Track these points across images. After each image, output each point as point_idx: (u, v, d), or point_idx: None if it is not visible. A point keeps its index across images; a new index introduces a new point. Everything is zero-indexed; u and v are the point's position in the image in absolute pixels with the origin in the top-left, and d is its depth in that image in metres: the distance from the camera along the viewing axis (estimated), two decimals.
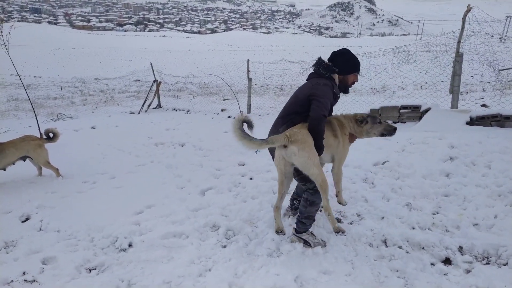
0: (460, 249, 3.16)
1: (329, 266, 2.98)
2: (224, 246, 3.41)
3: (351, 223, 3.69)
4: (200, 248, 3.36)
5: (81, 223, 3.87)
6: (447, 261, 3.06)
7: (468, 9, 7.22)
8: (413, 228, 3.52)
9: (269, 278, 2.86)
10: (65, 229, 3.77)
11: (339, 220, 3.78)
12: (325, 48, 51.59)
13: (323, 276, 2.89)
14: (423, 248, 3.21)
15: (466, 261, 3.01)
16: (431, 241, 3.24)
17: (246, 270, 3.01)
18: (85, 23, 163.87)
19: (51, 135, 5.57)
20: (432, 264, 3.02)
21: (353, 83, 3.65)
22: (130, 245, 3.49)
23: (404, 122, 7.52)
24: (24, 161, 5.44)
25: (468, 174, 4.48)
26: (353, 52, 3.62)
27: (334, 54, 3.53)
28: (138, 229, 3.71)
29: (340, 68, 3.47)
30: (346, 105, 9.39)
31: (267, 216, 3.81)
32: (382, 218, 3.72)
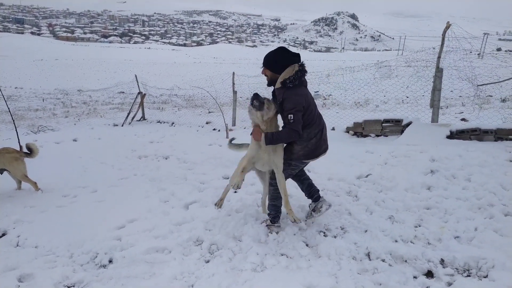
0: (442, 261, 3.20)
1: (313, 280, 2.96)
2: (208, 261, 3.37)
3: (335, 237, 3.69)
4: (183, 263, 3.30)
5: (61, 238, 3.76)
6: (429, 274, 3.08)
7: (448, 26, 7.47)
8: (396, 241, 3.55)
9: None
10: (44, 245, 3.66)
11: (324, 233, 3.78)
12: (309, 62, 52.30)
13: None
14: (405, 261, 3.23)
15: (447, 274, 3.04)
16: (414, 254, 3.27)
17: (229, 285, 2.96)
18: (69, 34, 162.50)
19: (27, 151, 5.41)
20: (415, 277, 3.04)
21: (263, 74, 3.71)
22: (110, 261, 3.41)
23: (387, 136, 7.64)
24: (1, 174, 5.29)
25: (449, 187, 4.57)
26: (279, 50, 3.68)
27: None
28: (119, 244, 3.62)
29: None
30: (331, 118, 9.52)
31: (252, 230, 3.79)
32: (366, 231, 3.74)
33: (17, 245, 3.73)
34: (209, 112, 14.47)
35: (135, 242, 3.66)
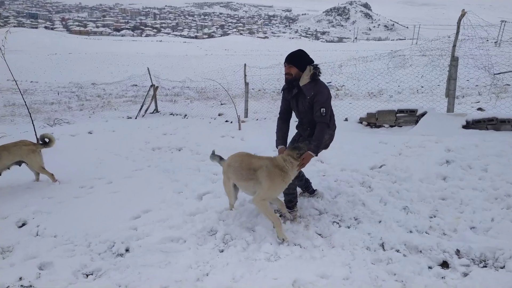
0: (458, 252, 3.17)
1: (327, 269, 2.98)
2: (222, 251, 3.41)
3: (348, 227, 3.69)
4: (197, 252, 3.35)
5: (78, 228, 3.85)
6: (444, 265, 3.06)
7: (463, 14, 7.28)
8: (411, 232, 3.53)
9: (266, 282, 2.85)
10: (62, 234, 3.75)
11: (338, 224, 3.78)
12: (321, 53, 51.81)
13: (320, 280, 2.89)
14: (420, 251, 3.22)
15: (463, 264, 3.02)
16: (429, 245, 3.25)
17: (244, 274, 3.00)
18: (81, 28, 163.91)
19: (46, 140, 5.53)
20: (430, 267, 3.02)
21: (285, 74, 3.77)
22: (127, 250, 3.48)
23: (401, 126, 7.55)
24: (20, 166, 5.41)
25: (464, 178, 4.50)
26: (301, 50, 3.84)
27: None
28: (135, 234, 3.69)
29: None
30: (344, 109, 9.44)
31: (265, 220, 3.81)
32: (380, 221, 3.72)
33: (37, 235, 3.83)
34: (221, 104, 14.50)
35: (150, 232, 3.73)
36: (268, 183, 3.45)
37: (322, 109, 3.56)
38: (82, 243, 3.59)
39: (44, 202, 4.63)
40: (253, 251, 3.31)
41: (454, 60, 7.09)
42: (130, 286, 2.92)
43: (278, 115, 4.06)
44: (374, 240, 3.39)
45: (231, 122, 9.99)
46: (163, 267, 3.16)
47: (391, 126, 7.67)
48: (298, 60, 3.67)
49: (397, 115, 7.68)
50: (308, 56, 3.75)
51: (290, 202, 3.98)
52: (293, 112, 4.01)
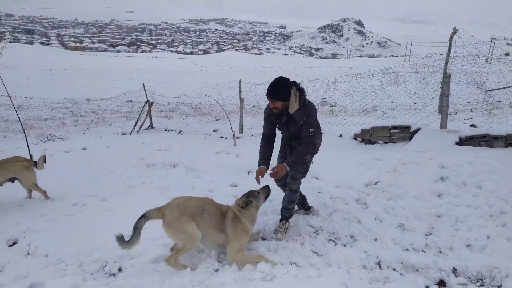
0: (454, 270, 3.15)
1: None
2: (217, 270, 3.35)
3: (344, 245, 3.66)
4: (192, 272, 3.29)
5: (70, 246, 3.78)
6: (441, 284, 3.04)
7: (454, 31, 7.43)
8: (407, 250, 3.51)
9: None
10: (54, 253, 3.68)
11: (334, 242, 3.75)
12: (316, 69, 52.43)
13: None
14: (417, 270, 3.19)
15: (460, 283, 3.00)
16: (425, 263, 3.23)
17: None
18: (77, 44, 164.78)
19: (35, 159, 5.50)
20: (427, 286, 3.00)
21: (273, 108, 3.73)
22: (120, 270, 3.42)
23: (395, 142, 7.59)
24: (13, 182, 5.34)
25: (459, 195, 4.52)
26: (280, 80, 3.72)
27: None
28: (128, 253, 3.62)
29: None
30: (338, 125, 9.50)
31: (259, 240, 3.77)
32: (376, 239, 3.70)
33: (28, 254, 3.76)
34: (216, 120, 14.51)
35: (144, 251, 3.67)
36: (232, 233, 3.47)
37: (311, 129, 3.71)
38: (74, 263, 3.52)
39: (36, 220, 4.56)
40: (249, 271, 3.26)
41: (447, 77, 7.21)
42: None
43: (261, 136, 4.06)
44: (371, 258, 3.36)
45: (226, 138, 10.00)
46: (156, 287, 3.10)
47: (385, 143, 7.71)
48: (280, 94, 3.61)
49: (391, 131, 7.73)
50: (288, 81, 3.69)
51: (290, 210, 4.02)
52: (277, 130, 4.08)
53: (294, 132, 3.82)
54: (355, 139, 8.14)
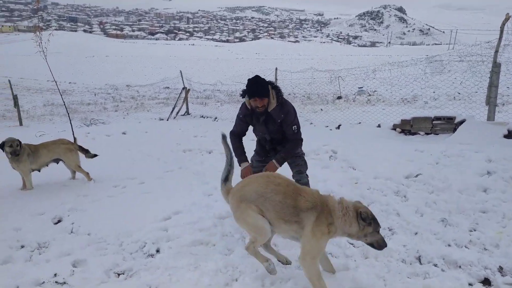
0: (501, 269, 2.98)
1: (361, 281, 2.87)
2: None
3: None
4: (227, 257, 3.32)
5: (111, 227, 3.93)
6: (486, 282, 2.89)
7: (507, 18, 6.93)
8: (449, 245, 3.36)
9: None
10: (95, 233, 3.84)
11: None
12: (353, 57, 51.05)
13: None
14: (459, 266, 3.05)
15: (507, 283, 2.83)
16: (469, 260, 3.07)
17: (274, 282, 2.94)
18: (118, 32, 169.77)
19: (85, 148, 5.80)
20: (470, 284, 2.85)
21: (256, 107, 3.63)
22: (158, 251, 3.51)
23: (437, 134, 7.27)
24: (57, 163, 5.63)
25: (507, 190, 4.25)
26: (259, 78, 3.65)
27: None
28: (166, 235, 3.72)
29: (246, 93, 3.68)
30: (376, 115, 9.22)
31: None
32: (416, 233, 3.57)
33: (72, 232, 3.94)
34: None
35: (181, 234, 3.74)
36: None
37: (293, 127, 3.69)
38: (115, 242, 3.65)
39: (79, 200, 4.78)
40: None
41: (496, 66, 6.76)
42: (160, 287, 2.94)
43: (231, 134, 3.99)
44: (410, 252, 3.25)
45: None
46: (192, 270, 3.15)
47: (427, 134, 7.40)
48: (266, 90, 3.57)
49: (434, 122, 7.40)
50: (264, 80, 3.67)
51: None
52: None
53: (274, 132, 3.79)
54: (394, 129, 7.86)
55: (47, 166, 5.54)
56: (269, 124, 3.74)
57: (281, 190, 2.75)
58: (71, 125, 7.74)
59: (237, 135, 3.97)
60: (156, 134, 9.02)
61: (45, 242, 3.69)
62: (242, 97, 3.81)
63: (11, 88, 15.81)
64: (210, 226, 3.92)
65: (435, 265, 3.07)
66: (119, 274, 3.16)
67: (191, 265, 3.22)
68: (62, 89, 21.20)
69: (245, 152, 3.95)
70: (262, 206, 2.76)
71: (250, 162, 3.98)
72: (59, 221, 4.21)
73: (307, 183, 3.92)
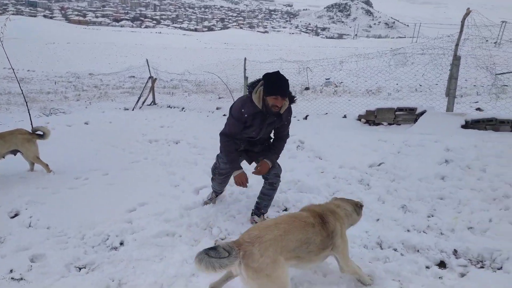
0: (455, 252, 3.15)
1: (323, 268, 2.94)
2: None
3: None
4: (193, 248, 3.30)
5: (72, 220, 3.80)
6: (442, 265, 3.04)
7: (468, 12, 7.22)
8: (408, 231, 3.51)
9: None
10: (56, 226, 3.70)
11: None
12: (321, 49, 51.69)
13: (318, 277, 2.85)
14: (418, 251, 3.19)
15: (461, 265, 2.99)
16: (426, 244, 3.22)
17: None
18: (81, 18, 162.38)
19: (40, 132, 5.45)
20: (427, 267, 3.00)
21: (274, 106, 3.23)
22: (121, 244, 3.44)
23: (400, 124, 7.51)
24: (15, 155, 5.34)
25: (463, 178, 4.48)
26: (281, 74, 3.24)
27: (264, 75, 3.31)
28: (130, 227, 3.65)
29: (264, 89, 3.26)
30: (342, 105, 9.40)
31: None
32: (378, 220, 3.70)
33: (30, 226, 3.78)
34: (219, 98, 14.42)
35: (146, 225, 3.68)
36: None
37: (288, 128, 3.63)
38: (76, 235, 3.54)
39: (38, 192, 4.57)
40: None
41: (457, 59, 7.04)
42: (124, 280, 2.88)
43: (224, 135, 3.50)
44: (372, 238, 3.36)
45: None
46: (157, 261, 3.12)
47: (390, 124, 7.63)
48: (289, 89, 3.25)
49: (396, 113, 7.63)
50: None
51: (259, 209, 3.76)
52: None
53: (268, 132, 3.58)
54: (359, 120, 8.05)
55: (3, 158, 5.24)
56: (272, 125, 3.44)
57: (317, 230, 2.54)
58: (30, 115, 7.38)
59: (231, 137, 3.47)
60: (121, 124, 8.76)
61: (0, 237, 3.51)
62: (250, 92, 3.35)
63: None
64: (176, 216, 3.88)
65: (395, 250, 3.20)
66: (80, 268, 3.07)
67: (156, 256, 3.18)
68: (20, 77, 20.10)
69: (238, 158, 3.63)
70: (302, 253, 2.45)
71: (240, 168, 3.55)
72: (16, 215, 4.02)
73: (277, 187, 3.73)
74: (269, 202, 3.79)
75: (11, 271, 2.96)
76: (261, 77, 3.31)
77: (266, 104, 3.27)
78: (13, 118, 9.81)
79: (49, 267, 3.01)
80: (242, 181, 3.48)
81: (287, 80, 3.21)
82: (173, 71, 19.18)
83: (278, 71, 3.26)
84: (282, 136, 3.64)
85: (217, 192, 4.22)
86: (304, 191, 4.45)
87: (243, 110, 3.31)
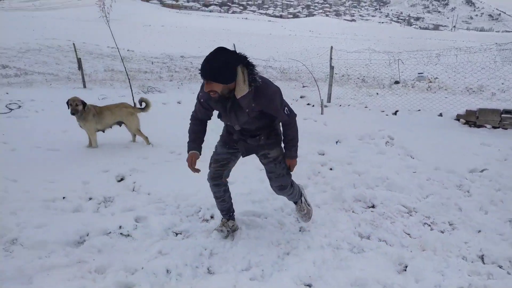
0: None
1: (417, 273, 2.79)
2: (304, 232, 3.38)
3: (442, 232, 3.41)
4: (279, 230, 3.37)
5: (169, 189, 4.10)
6: None
7: None
8: None
9: (351, 274, 2.76)
10: (155, 193, 4.03)
11: (429, 226, 3.52)
12: (413, 40, 48.26)
13: (411, 283, 2.72)
14: None
15: None
16: None
17: (325, 260, 2.93)
18: (174, 2, 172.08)
19: (143, 104, 5.96)
20: None
21: (209, 92, 2.58)
22: (212, 217, 3.63)
23: (506, 128, 6.76)
24: (120, 126, 5.92)
25: None
26: (221, 53, 2.51)
27: None
28: None
29: None
30: (437, 103, 8.74)
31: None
32: (479, 231, 3.39)
33: (133, 190, 4.18)
34: (303, 86, 14.29)
35: (234, 203, 3.83)
36: None
37: (285, 110, 2.82)
38: (172, 204, 3.82)
39: (139, 161, 5.02)
40: (336, 240, 3.23)
41: None
42: (215, 251, 3.04)
43: (191, 115, 3.22)
44: (472, 250, 3.09)
45: (313, 106, 9.83)
46: (246, 238, 3.23)
47: (494, 128, 6.90)
48: (218, 75, 2.48)
49: (502, 115, 6.88)
50: (232, 55, 2.52)
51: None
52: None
53: (246, 122, 2.90)
54: (458, 120, 7.41)
55: (111, 128, 5.84)
56: (238, 113, 2.79)
57: None
58: (131, 91, 8.07)
59: (199, 120, 3.18)
60: None
61: (110, 196, 3.95)
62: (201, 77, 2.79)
63: (76, 51, 16.71)
64: (262, 199, 3.98)
65: (500, 267, 2.90)
66: (177, 234, 3.32)
67: (243, 232, 3.30)
68: (122, 56, 22.06)
69: (200, 140, 3.22)
70: None
71: (198, 152, 3.22)
72: (122, 179, 4.47)
73: (292, 184, 3.27)
74: (291, 198, 3.32)
75: (120, 227, 3.32)
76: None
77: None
78: (116, 93, 10.81)
79: (151, 228, 3.31)
80: (190, 164, 3.12)
81: (220, 61, 2.46)
82: (258, 57, 19.44)
83: (220, 48, 2.56)
84: (284, 122, 2.95)
85: (222, 210, 3.39)
86: (393, 189, 4.24)
87: (200, 94, 2.94)
